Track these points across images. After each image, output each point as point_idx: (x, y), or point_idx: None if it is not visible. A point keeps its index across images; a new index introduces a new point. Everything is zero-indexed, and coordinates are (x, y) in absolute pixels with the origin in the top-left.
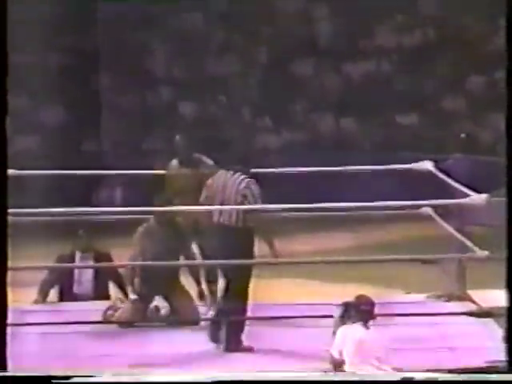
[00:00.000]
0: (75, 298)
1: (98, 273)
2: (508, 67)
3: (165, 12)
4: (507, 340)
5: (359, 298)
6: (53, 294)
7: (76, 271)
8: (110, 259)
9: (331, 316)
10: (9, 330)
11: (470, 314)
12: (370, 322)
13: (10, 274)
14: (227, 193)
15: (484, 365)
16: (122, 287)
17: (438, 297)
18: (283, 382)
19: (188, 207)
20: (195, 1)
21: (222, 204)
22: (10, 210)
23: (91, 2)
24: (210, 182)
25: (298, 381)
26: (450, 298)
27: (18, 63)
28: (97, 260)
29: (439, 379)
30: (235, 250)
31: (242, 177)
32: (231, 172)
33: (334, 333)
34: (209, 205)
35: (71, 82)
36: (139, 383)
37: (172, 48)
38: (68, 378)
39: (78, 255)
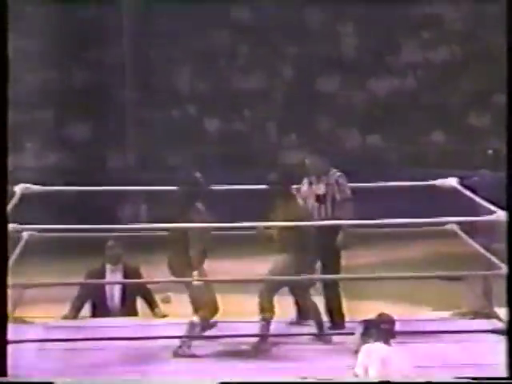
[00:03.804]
0: (108, 313)
1: (126, 288)
2: (508, 79)
3: (191, 28)
4: (508, 355)
5: (380, 316)
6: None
7: (107, 286)
8: (139, 275)
9: (353, 333)
10: (33, 345)
11: (497, 331)
12: (391, 341)
13: (34, 291)
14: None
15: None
16: (149, 304)
17: (464, 314)
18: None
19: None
20: (221, 17)
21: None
22: (34, 226)
23: (117, 18)
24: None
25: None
26: (475, 315)
27: (44, 79)
28: (126, 274)
29: None
30: None
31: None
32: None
33: (356, 351)
34: None
35: (97, 97)
36: None
37: (198, 64)
38: None
39: (108, 269)
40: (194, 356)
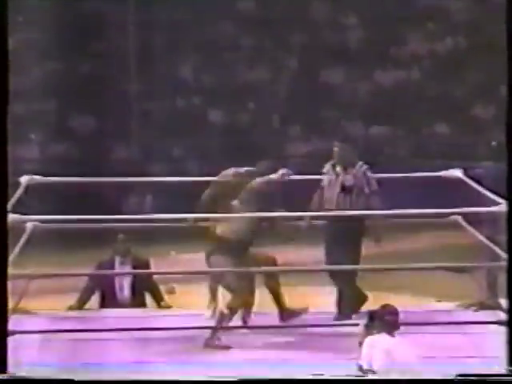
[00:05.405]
0: (117, 304)
1: (135, 280)
2: (509, 75)
3: (196, 18)
4: (509, 347)
5: (384, 307)
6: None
7: (116, 278)
8: (148, 267)
9: (358, 324)
10: (38, 336)
11: (501, 323)
12: (395, 332)
13: (37, 281)
14: None
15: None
16: (155, 297)
17: (469, 306)
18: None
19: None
20: (226, 7)
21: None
22: (37, 217)
23: (121, 9)
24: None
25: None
26: (480, 306)
27: (49, 70)
28: (135, 267)
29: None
30: None
31: None
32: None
33: (360, 343)
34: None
35: (102, 88)
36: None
37: (202, 55)
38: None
39: (117, 261)
40: (226, 347)
